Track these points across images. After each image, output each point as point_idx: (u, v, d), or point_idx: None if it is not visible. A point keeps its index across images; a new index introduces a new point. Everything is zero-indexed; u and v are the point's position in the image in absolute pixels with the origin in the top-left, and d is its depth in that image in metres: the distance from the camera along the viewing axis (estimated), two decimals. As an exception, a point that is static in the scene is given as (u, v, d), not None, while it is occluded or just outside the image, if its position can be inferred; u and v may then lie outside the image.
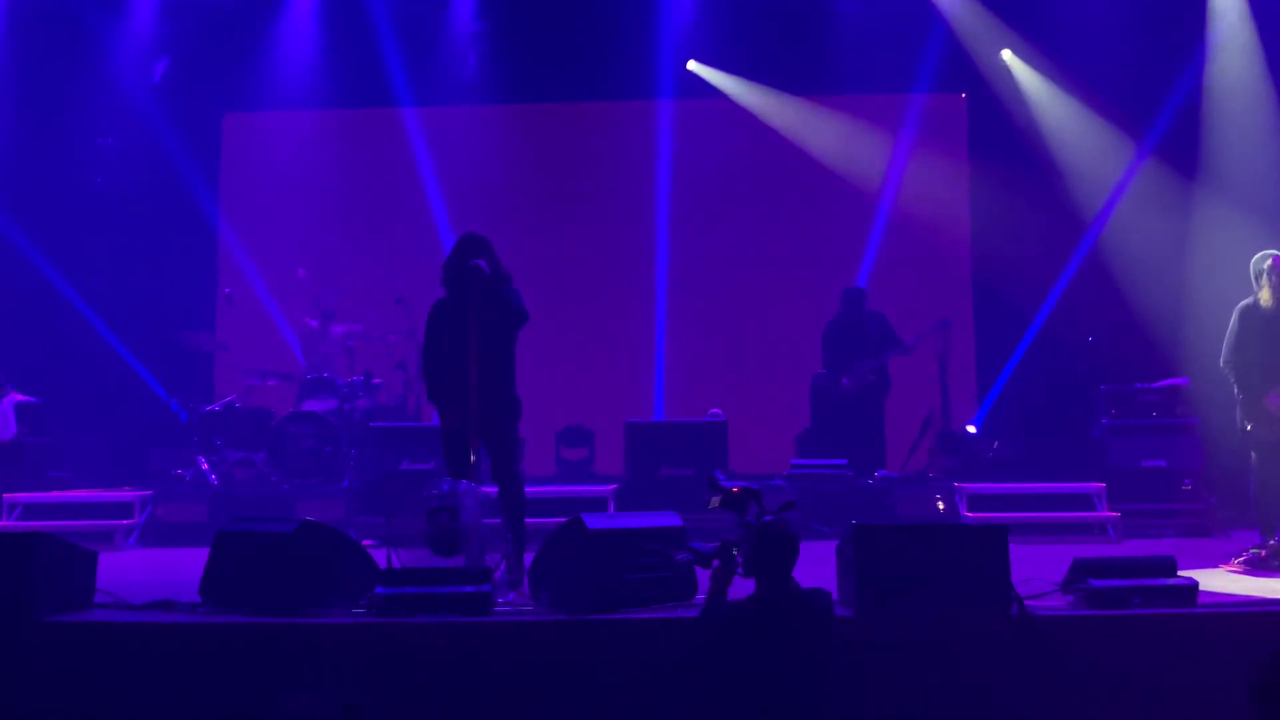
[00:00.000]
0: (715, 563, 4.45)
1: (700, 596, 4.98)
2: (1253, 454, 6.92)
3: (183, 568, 6.54)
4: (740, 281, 11.31)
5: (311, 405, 9.30)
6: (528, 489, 6.33)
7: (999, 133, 10.79)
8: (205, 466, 9.09)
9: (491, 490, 6.10)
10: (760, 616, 4.17)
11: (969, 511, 8.41)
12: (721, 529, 4.78)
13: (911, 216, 10.95)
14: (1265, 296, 6.89)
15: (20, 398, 9.37)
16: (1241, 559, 6.53)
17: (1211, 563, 6.68)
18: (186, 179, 11.12)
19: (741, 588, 4.38)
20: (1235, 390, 6.95)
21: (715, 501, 4.70)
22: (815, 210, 11.25)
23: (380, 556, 5.59)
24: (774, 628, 4.13)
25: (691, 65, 11.28)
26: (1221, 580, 6.06)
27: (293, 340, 10.78)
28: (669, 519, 5.49)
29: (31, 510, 8.62)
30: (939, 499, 8.50)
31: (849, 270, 10.85)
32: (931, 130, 11.11)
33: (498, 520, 6.01)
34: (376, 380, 9.65)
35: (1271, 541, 6.59)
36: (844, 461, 8.79)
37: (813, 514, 8.37)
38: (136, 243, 11.03)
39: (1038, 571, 5.50)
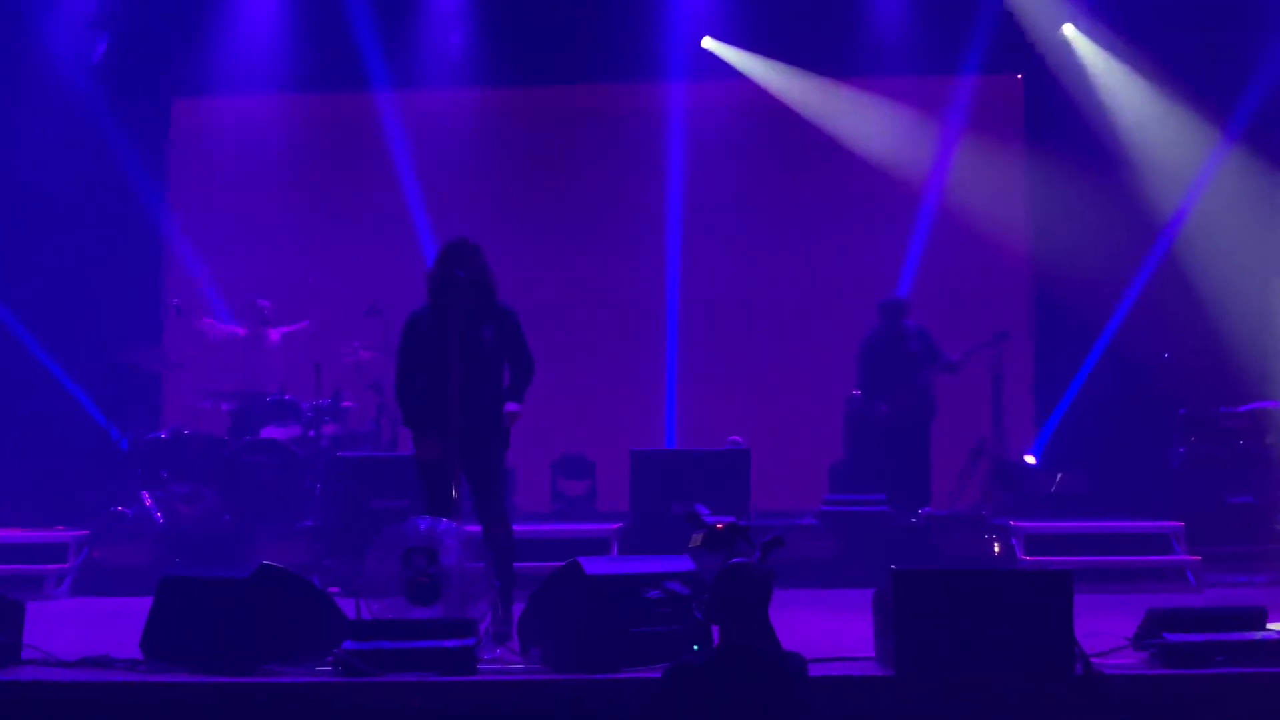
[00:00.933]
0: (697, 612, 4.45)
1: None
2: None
3: (122, 619, 6.53)
4: (764, 291, 11.34)
5: (271, 432, 9.31)
6: (517, 528, 6.34)
7: (1060, 119, 10.80)
8: (149, 502, 9.10)
9: (476, 530, 6.10)
10: (712, 674, 3.92)
11: (1027, 555, 8.39)
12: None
13: (960, 216, 10.95)
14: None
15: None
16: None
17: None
18: (129, 173, 11.16)
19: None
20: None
21: (697, 540, 4.70)
22: (850, 210, 11.28)
23: (348, 606, 5.59)
24: (730, 687, 3.90)
25: (707, 43, 11.32)
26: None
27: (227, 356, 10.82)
28: (681, 563, 5.48)
29: (-53, 554, 8.65)
30: (992, 540, 8.48)
31: (888, 278, 10.86)
32: (983, 117, 11.14)
33: (483, 564, 6.01)
34: (346, 403, 9.67)
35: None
36: (883, 497, 8.80)
37: (847, 557, 8.37)
38: (71, 246, 11.05)
39: (1106, 624, 5.49)
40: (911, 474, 9.29)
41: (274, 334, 10.09)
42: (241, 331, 10.17)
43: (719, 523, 4.66)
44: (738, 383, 11.20)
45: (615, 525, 8.74)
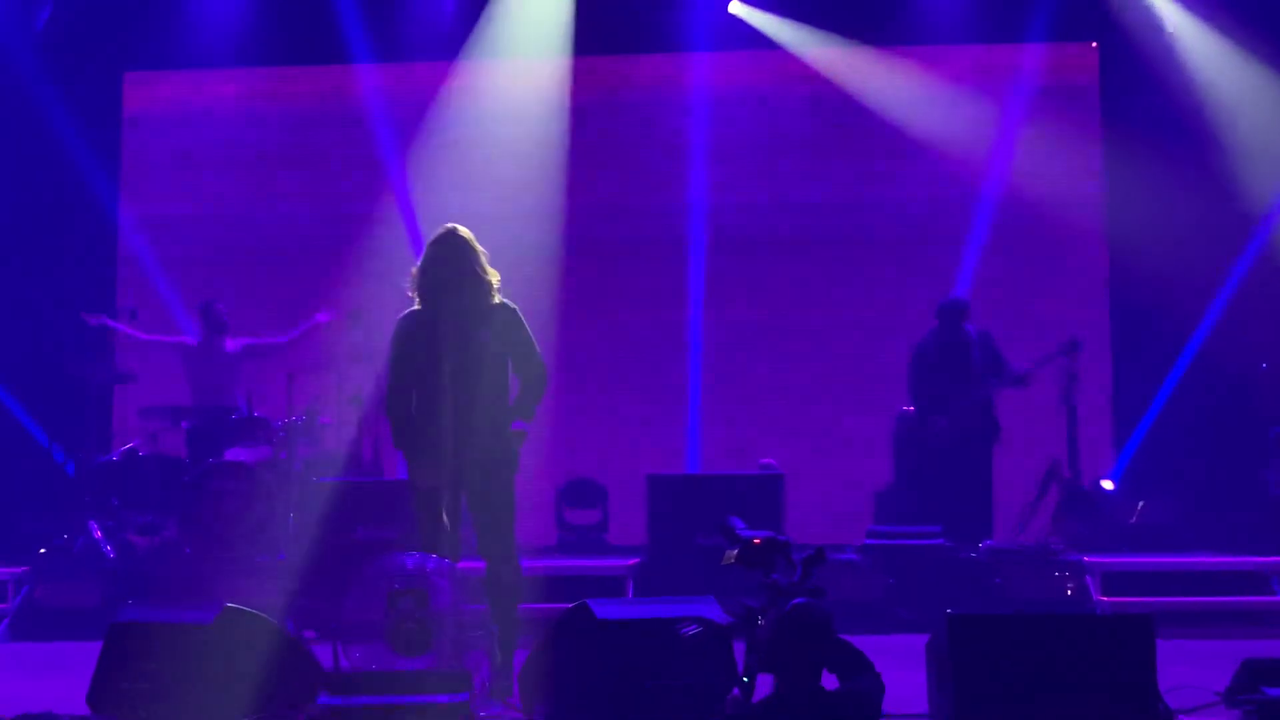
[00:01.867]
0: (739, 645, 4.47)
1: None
2: None
3: (67, 668, 6.57)
4: (800, 290, 11.34)
5: (237, 453, 9.33)
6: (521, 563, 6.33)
7: (1142, 94, 10.78)
8: (98, 534, 9.12)
9: (475, 567, 6.09)
10: None
11: (1104, 595, 8.37)
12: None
13: (1027, 205, 10.93)
14: None
15: None
16: None
17: None
18: (76, 158, 11.20)
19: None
20: None
21: (732, 556, 4.72)
22: (900, 199, 11.28)
23: (325, 654, 5.59)
24: None
25: (734, 7, 11.34)
26: None
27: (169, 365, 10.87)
28: (707, 607, 5.46)
29: None
30: (1064, 579, 8.44)
31: (943, 276, 10.83)
32: (1052, 92, 11.12)
33: (480, 607, 6.01)
34: (324, 420, 9.68)
35: None
36: (938, 528, 8.78)
37: (895, 598, 8.35)
38: (8, 241, 11.12)
39: (1195, 675, 5.47)
40: (971, 502, 9.28)
41: (230, 344, 10.10)
42: (192, 340, 10.19)
43: (756, 537, 4.68)
44: (770, 397, 11.19)
45: (630, 561, 8.74)
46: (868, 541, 8.76)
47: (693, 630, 4.76)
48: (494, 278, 6.13)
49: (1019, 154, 11.05)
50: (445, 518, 6.01)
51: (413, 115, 11.36)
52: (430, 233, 6.27)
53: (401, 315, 6.19)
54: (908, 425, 9.65)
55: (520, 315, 6.15)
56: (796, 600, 4.37)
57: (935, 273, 10.88)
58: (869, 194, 11.38)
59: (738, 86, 11.47)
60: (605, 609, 5.30)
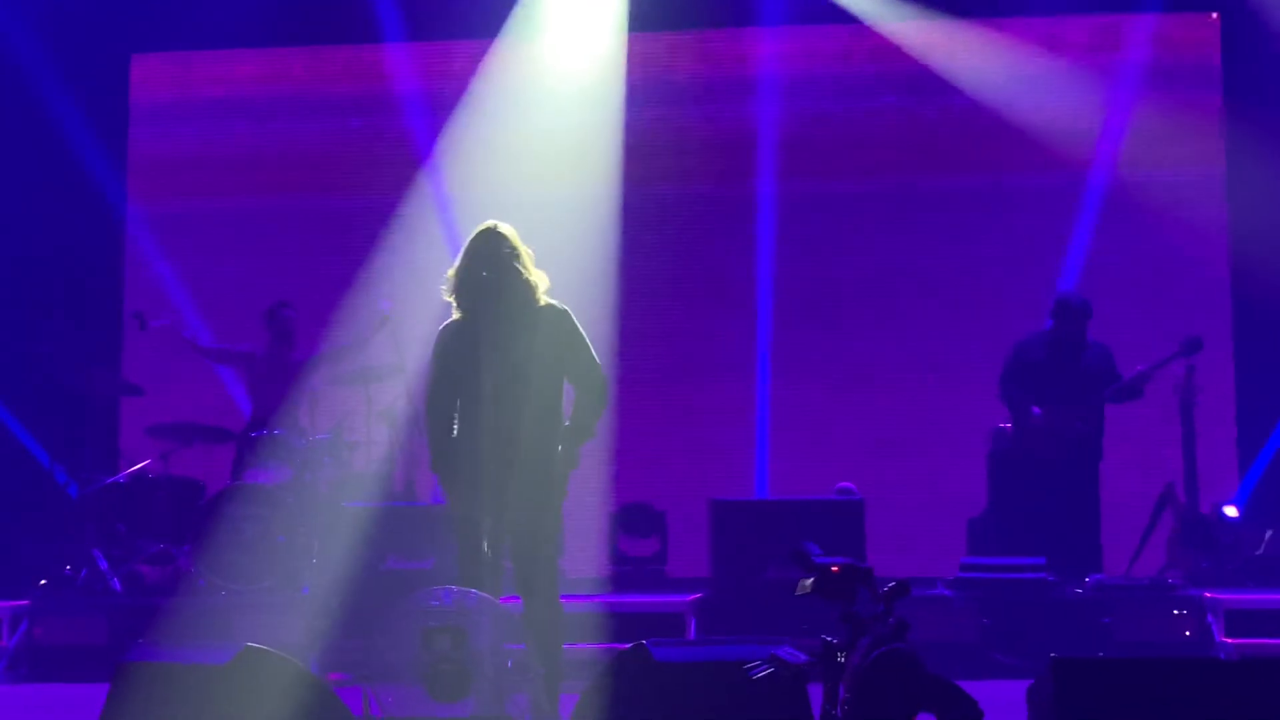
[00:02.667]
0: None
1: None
2: None
3: (70, 712, 6.63)
4: (881, 293, 11.31)
5: (258, 475, 9.39)
6: (566, 599, 6.34)
7: (1268, 69, 10.68)
8: (104, 564, 9.21)
9: (515, 603, 6.11)
10: None
11: (1228, 636, 8.28)
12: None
13: (1137, 194, 10.86)
14: None
15: None
16: None
17: None
18: (79, 148, 11.32)
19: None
20: None
21: (807, 585, 4.70)
22: (990, 188, 11.23)
23: (354, 698, 5.61)
24: None
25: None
26: None
27: (230, 378, 10.93)
28: (779, 648, 5.44)
29: None
30: (1182, 617, 8.36)
31: (1039, 276, 10.75)
32: (1167, 68, 11.03)
33: (524, 647, 6.02)
34: (352, 437, 9.73)
35: None
36: (1040, 560, 8.71)
37: (991, 639, 8.30)
38: (5, 240, 11.25)
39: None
40: (1077, 530, 9.21)
41: (298, 355, 10.10)
42: (259, 350, 10.23)
43: (834, 563, 4.66)
44: (847, 413, 11.16)
45: (691, 596, 8.72)
46: (960, 575, 8.73)
47: (764, 671, 4.73)
48: (540, 280, 6.14)
49: (1130, 139, 10.97)
50: (486, 547, 6.03)
51: (448, 99, 11.40)
52: (468, 230, 6.30)
53: (442, 326, 6.21)
54: (1005, 444, 9.57)
55: (573, 318, 6.14)
56: (879, 650, 4.35)
57: (1026, 273, 10.82)
58: (959, 184, 11.32)
59: (809, 65, 11.45)
60: (665, 651, 5.29)
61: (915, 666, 4.34)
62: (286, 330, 10.10)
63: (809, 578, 4.70)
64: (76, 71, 11.29)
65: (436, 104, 11.45)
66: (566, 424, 6.14)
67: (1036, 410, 9.28)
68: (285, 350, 10.06)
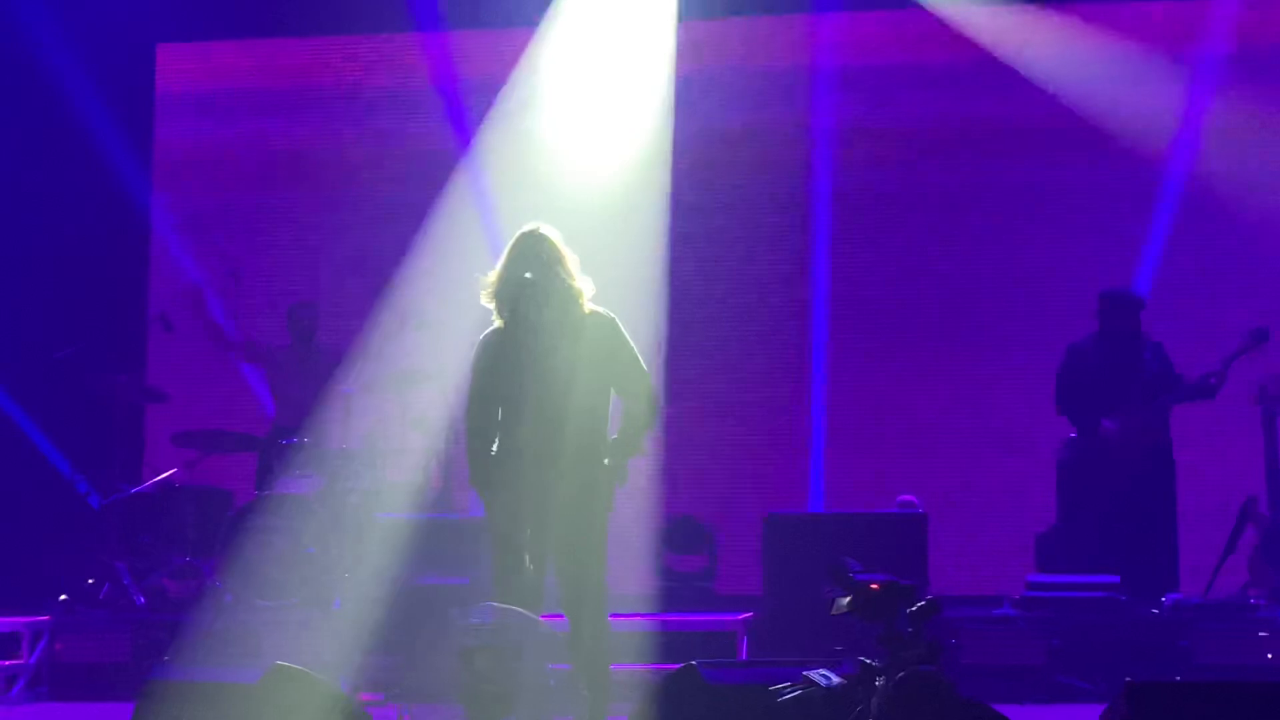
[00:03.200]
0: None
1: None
2: None
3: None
4: (943, 296, 11.29)
5: (288, 485, 9.43)
6: (613, 617, 6.34)
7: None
8: (127, 578, 9.27)
9: (560, 621, 6.12)
10: None
11: (1314, 660, 8.20)
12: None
13: (1216, 192, 10.76)
14: None
15: None
16: None
17: None
18: (103, 142, 11.39)
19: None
20: None
21: (844, 604, 4.67)
22: (1061, 186, 11.15)
23: (388, 719, 5.63)
24: None
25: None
26: None
27: (256, 380, 10.97)
28: (812, 669, 5.43)
29: None
30: (1265, 639, 8.26)
31: (1110, 277, 10.60)
32: (1250, 56, 10.93)
33: (568, 668, 6.03)
34: (386, 445, 9.76)
35: None
36: (1114, 579, 8.67)
37: (1061, 662, 8.25)
38: (24, 239, 11.30)
39: None
40: (1152, 546, 9.18)
41: (322, 356, 10.16)
42: (282, 343, 10.29)
43: (874, 581, 4.61)
44: (907, 420, 11.15)
45: (743, 615, 8.71)
46: (1027, 594, 8.69)
47: (792, 694, 4.70)
48: (586, 286, 6.15)
49: (1207, 131, 10.88)
50: (529, 563, 6.05)
51: (489, 92, 11.41)
52: (509, 232, 6.31)
53: (483, 335, 6.20)
54: (1076, 453, 9.52)
55: (619, 326, 6.13)
56: (903, 673, 4.32)
57: (1107, 271, 10.71)
58: (1027, 181, 11.27)
59: (869, 54, 11.44)
60: (716, 672, 5.29)
61: (941, 689, 4.30)
62: (306, 331, 10.19)
63: (845, 597, 4.66)
64: (99, 62, 11.34)
65: (477, 97, 11.48)
66: (614, 437, 6.14)
67: (1108, 424, 9.23)
68: (307, 352, 10.13)
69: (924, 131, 11.39)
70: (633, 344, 6.16)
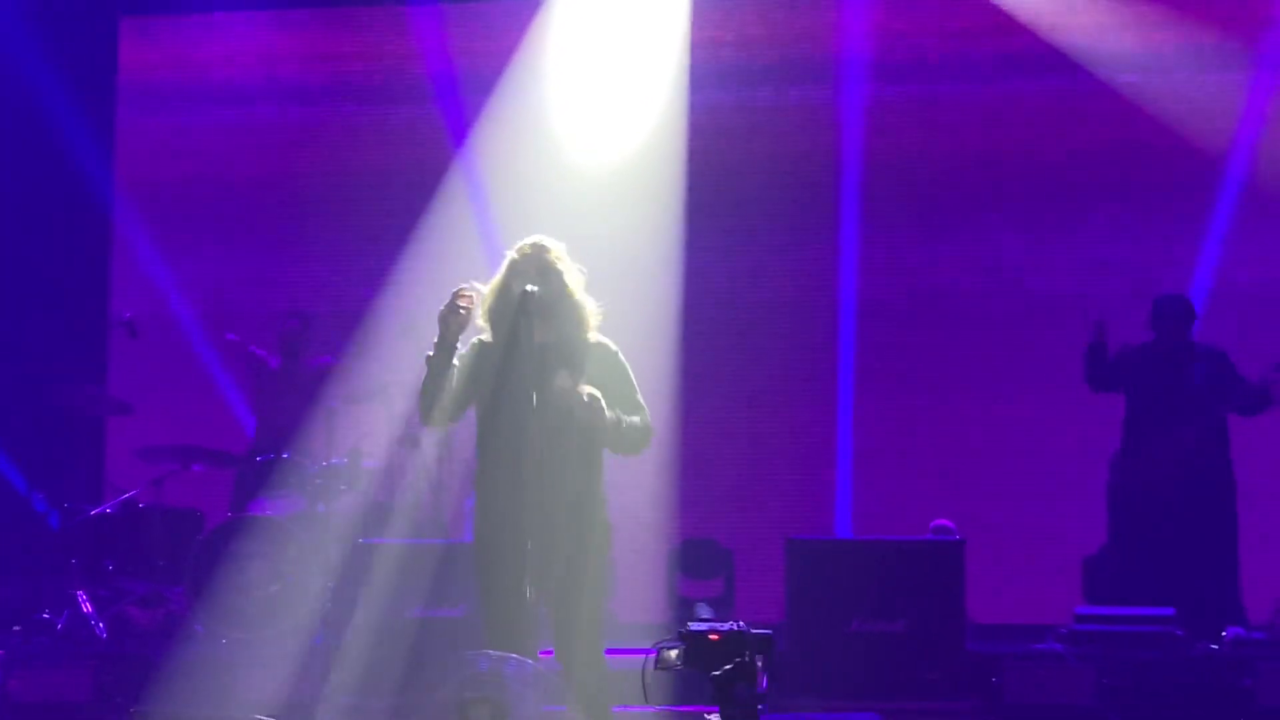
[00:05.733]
0: None
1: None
2: None
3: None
4: (976, 306, 11.30)
5: (264, 506, 9.41)
6: (615, 652, 6.29)
7: None
8: (89, 608, 9.25)
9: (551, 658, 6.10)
10: None
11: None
12: None
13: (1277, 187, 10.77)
14: None
15: None
16: None
17: None
18: (60, 126, 11.38)
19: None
20: None
21: (672, 657, 4.48)
22: (1113, 193, 11.14)
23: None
24: None
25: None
26: None
27: (234, 393, 10.96)
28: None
29: None
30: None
31: (1166, 280, 10.63)
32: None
33: (565, 709, 6.00)
34: (369, 463, 9.74)
35: None
36: (1169, 611, 8.66)
37: (1114, 700, 8.20)
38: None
39: None
40: (1212, 575, 9.16)
41: (310, 362, 10.20)
42: (273, 360, 10.31)
43: (713, 631, 4.42)
44: (942, 439, 11.17)
45: (762, 650, 8.68)
46: (1075, 627, 8.70)
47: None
48: (591, 307, 6.13)
49: (1265, 137, 10.91)
50: (527, 592, 6.03)
51: (487, 76, 11.40)
52: (505, 232, 6.29)
53: (472, 343, 6.18)
54: (1127, 472, 9.50)
55: (622, 359, 6.15)
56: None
57: (1163, 274, 10.72)
58: (1072, 179, 11.27)
59: (904, 40, 11.45)
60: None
61: None
62: (291, 346, 10.25)
63: (675, 644, 4.46)
64: (58, 43, 11.35)
65: (472, 81, 11.47)
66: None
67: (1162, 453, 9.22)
68: (294, 366, 10.14)
69: (963, 123, 11.39)
70: (632, 377, 6.14)
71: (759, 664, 4.25)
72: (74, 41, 11.48)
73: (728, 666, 4.26)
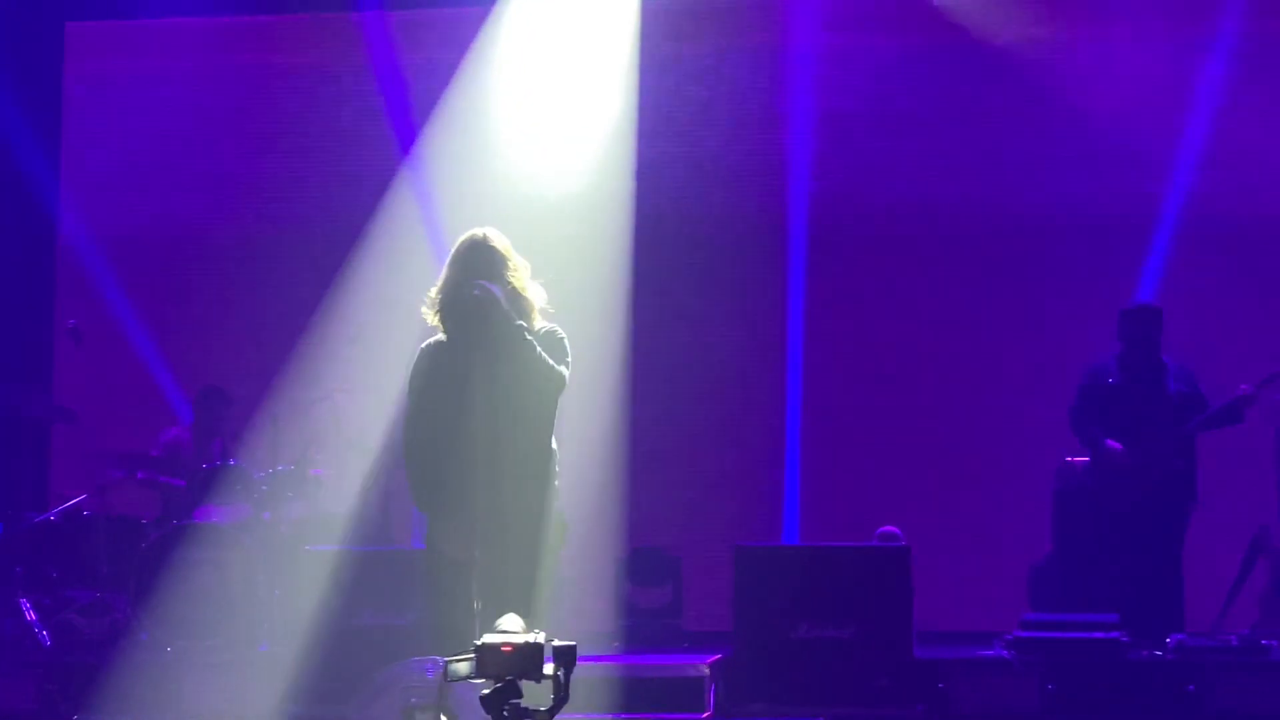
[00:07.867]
0: None
1: None
2: None
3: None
4: (923, 314, 11.29)
5: (210, 513, 9.40)
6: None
7: None
8: (31, 615, 9.22)
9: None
10: None
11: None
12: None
13: (1226, 192, 10.80)
14: None
15: None
16: None
17: None
18: (4, 130, 11.35)
19: None
20: None
21: (461, 670, 4.37)
22: (1060, 198, 11.13)
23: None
24: None
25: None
26: None
27: (179, 400, 10.96)
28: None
29: None
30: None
31: (1123, 281, 10.73)
32: (1259, 36, 10.97)
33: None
34: (317, 471, 9.75)
35: None
36: (1114, 616, 8.70)
37: (1059, 706, 8.27)
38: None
39: None
40: (1158, 580, 9.18)
41: (215, 450, 10.22)
42: (184, 436, 10.38)
43: (506, 643, 4.36)
44: (890, 447, 11.16)
45: (710, 657, 8.70)
46: (1020, 634, 8.71)
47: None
48: (538, 296, 6.19)
49: (1217, 122, 10.88)
50: (476, 599, 6.07)
51: (435, 80, 11.39)
52: (453, 235, 6.33)
53: (421, 347, 6.24)
54: (1074, 480, 9.56)
55: (565, 342, 6.20)
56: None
57: (1114, 276, 10.74)
58: (1030, 178, 11.28)
59: (858, 41, 11.45)
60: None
61: None
62: (206, 423, 10.37)
63: (462, 657, 4.38)
64: (2, 48, 11.31)
65: (419, 84, 11.46)
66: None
67: (1115, 445, 9.22)
68: (205, 445, 10.23)
69: (910, 126, 11.41)
70: (568, 348, 6.19)
71: (560, 676, 4.20)
72: (19, 46, 11.44)
73: (497, 684, 4.21)
